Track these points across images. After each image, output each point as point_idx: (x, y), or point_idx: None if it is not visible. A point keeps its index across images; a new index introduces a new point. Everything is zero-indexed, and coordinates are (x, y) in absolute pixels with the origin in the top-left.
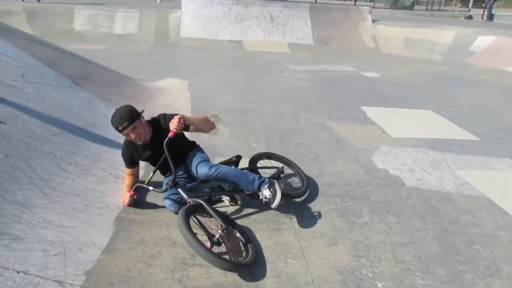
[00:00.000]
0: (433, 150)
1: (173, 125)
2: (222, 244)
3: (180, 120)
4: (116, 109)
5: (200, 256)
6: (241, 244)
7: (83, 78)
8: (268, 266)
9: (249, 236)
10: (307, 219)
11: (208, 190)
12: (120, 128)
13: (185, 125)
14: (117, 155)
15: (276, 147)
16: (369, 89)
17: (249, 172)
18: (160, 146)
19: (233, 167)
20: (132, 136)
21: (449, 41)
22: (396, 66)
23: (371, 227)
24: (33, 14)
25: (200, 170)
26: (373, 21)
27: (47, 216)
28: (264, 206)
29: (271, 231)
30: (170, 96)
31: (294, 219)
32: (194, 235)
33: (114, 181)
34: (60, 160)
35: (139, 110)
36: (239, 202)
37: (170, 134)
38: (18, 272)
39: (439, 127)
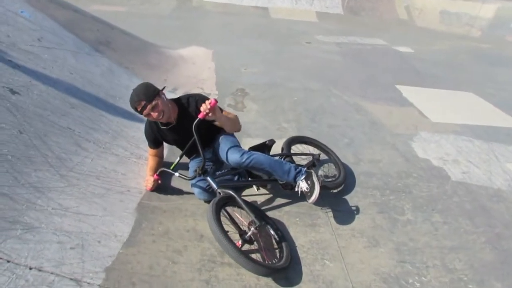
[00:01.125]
0: (479, 139)
1: (204, 106)
2: (255, 243)
3: (214, 105)
4: (133, 89)
5: (232, 259)
6: (274, 242)
7: (104, 44)
8: (304, 269)
9: (283, 233)
10: (345, 214)
11: (239, 179)
12: (139, 109)
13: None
14: (140, 132)
15: (307, 128)
16: (403, 66)
17: (284, 161)
18: (187, 129)
19: (265, 152)
20: (154, 115)
21: (490, 15)
22: (431, 41)
23: (415, 226)
24: None
25: (231, 156)
26: None
27: (63, 202)
28: (297, 197)
29: (306, 226)
30: (194, 66)
31: (330, 214)
32: (225, 234)
33: (136, 161)
34: (78, 137)
35: (160, 87)
36: (268, 186)
37: (200, 116)
38: (30, 268)
39: (482, 112)
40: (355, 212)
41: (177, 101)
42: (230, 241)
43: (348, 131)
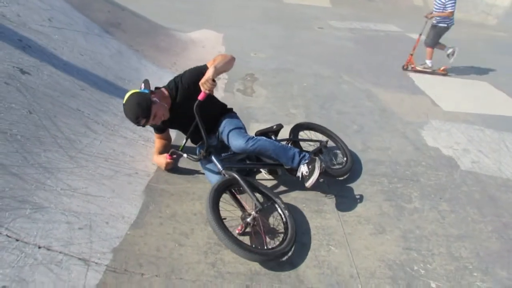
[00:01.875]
0: (490, 129)
1: (205, 85)
2: (256, 226)
3: (213, 80)
4: (124, 105)
5: (227, 247)
6: (281, 223)
7: (114, 25)
8: (310, 254)
9: (292, 214)
10: (351, 200)
11: (245, 161)
12: (141, 125)
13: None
14: None
15: (316, 114)
16: (417, 53)
17: (289, 146)
18: (188, 111)
19: (272, 137)
20: (157, 122)
21: (507, 3)
22: None
23: (422, 214)
24: None
25: (235, 142)
26: None
27: (72, 183)
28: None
29: (312, 212)
30: (204, 50)
31: (337, 200)
32: (219, 221)
33: (144, 144)
34: (87, 118)
35: (143, 87)
36: (279, 173)
37: (200, 97)
38: (39, 247)
39: (496, 102)
40: (362, 199)
41: (168, 89)
42: (223, 229)
43: (358, 118)
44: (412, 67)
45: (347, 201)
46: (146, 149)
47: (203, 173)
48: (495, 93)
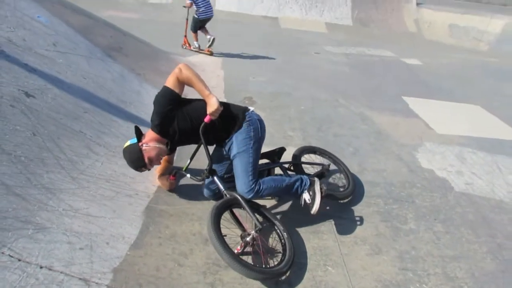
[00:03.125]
0: (483, 151)
1: (212, 109)
2: (256, 245)
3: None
4: (124, 157)
5: (227, 264)
6: (280, 244)
7: (116, 49)
8: (307, 274)
9: (290, 235)
10: (348, 221)
11: None
12: (147, 170)
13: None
14: None
15: (313, 137)
16: (411, 78)
17: (291, 181)
18: (193, 133)
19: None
20: (158, 163)
21: (498, 30)
22: (440, 54)
23: (418, 235)
24: None
25: (239, 187)
26: (417, 4)
27: (74, 204)
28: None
29: (309, 233)
30: (204, 73)
31: (334, 221)
32: (221, 239)
33: None
34: (89, 140)
35: (134, 140)
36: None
37: (206, 119)
38: (41, 267)
39: (488, 125)
40: (359, 220)
41: (158, 129)
42: (224, 246)
43: (353, 140)
44: (187, 47)
45: (343, 222)
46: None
47: (202, 194)
48: (488, 117)
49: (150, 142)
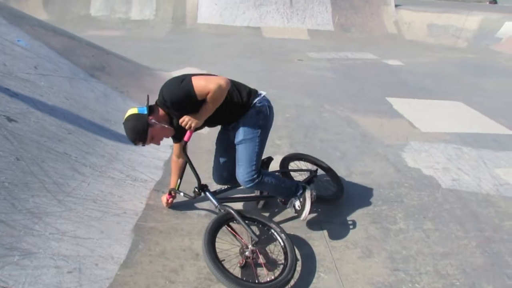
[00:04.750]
0: (467, 146)
1: (192, 123)
2: (255, 258)
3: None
4: (123, 124)
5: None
6: (280, 248)
7: (99, 69)
8: (299, 282)
9: (288, 236)
10: (338, 226)
11: (241, 195)
12: (142, 145)
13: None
14: (135, 154)
15: (300, 144)
16: (393, 79)
17: (289, 184)
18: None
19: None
20: (156, 143)
21: (475, 27)
22: (420, 54)
23: (408, 235)
24: None
25: (240, 175)
26: (395, 5)
27: (61, 227)
28: (291, 211)
29: (300, 240)
30: None
31: (324, 226)
32: (216, 261)
33: (132, 183)
34: (75, 162)
35: (144, 110)
36: (259, 206)
37: (185, 138)
38: None
39: (470, 120)
40: (348, 223)
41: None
42: (221, 270)
43: (340, 145)
44: None
45: (334, 226)
46: (133, 188)
47: (191, 209)
48: (470, 112)
49: (161, 120)
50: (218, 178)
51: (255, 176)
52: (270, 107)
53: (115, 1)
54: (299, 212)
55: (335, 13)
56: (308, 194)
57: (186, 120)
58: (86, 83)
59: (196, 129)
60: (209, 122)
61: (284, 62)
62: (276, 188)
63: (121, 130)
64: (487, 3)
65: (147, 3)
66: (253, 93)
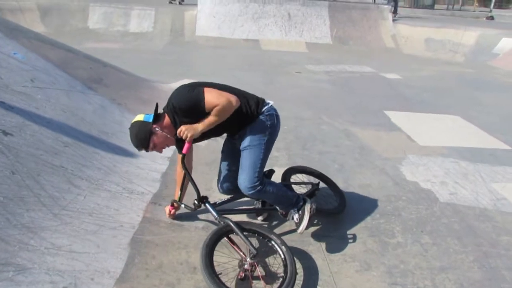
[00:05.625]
0: (465, 160)
1: (189, 133)
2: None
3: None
4: (129, 129)
5: None
6: (280, 259)
7: (97, 81)
8: None
9: (288, 248)
10: (336, 239)
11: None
12: (143, 151)
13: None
14: (132, 167)
15: (298, 156)
16: (391, 92)
17: (291, 195)
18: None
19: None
20: (159, 151)
21: (472, 42)
22: (418, 68)
23: (406, 249)
24: (47, 11)
25: (243, 181)
26: (393, 20)
27: (56, 241)
28: (288, 224)
29: (298, 253)
30: None
31: (322, 240)
32: (212, 274)
33: (129, 196)
34: (71, 175)
35: (150, 118)
36: (259, 219)
37: (183, 150)
38: None
39: (468, 134)
40: (346, 236)
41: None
42: (217, 283)
43: (338, 157)
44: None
45: (331, 240)
46: (130, 201)
47: (188, 221)
48: (467, 126)
49: (164, 129)
50: (223, 188)
51: (258, 183)
52: (278, 116)
53: (113, 15)
54: (296, 225)
55: (333, 26)
56: (307, 207)
57: (183, 130)
58: (83, 96)
59: (195, 140)
60: (216, 131)
61: (283, 74)
62: (277, 198)
63: (119, 142)
64: (484, 19)
65: (145, 16)
66: (261, 102)
